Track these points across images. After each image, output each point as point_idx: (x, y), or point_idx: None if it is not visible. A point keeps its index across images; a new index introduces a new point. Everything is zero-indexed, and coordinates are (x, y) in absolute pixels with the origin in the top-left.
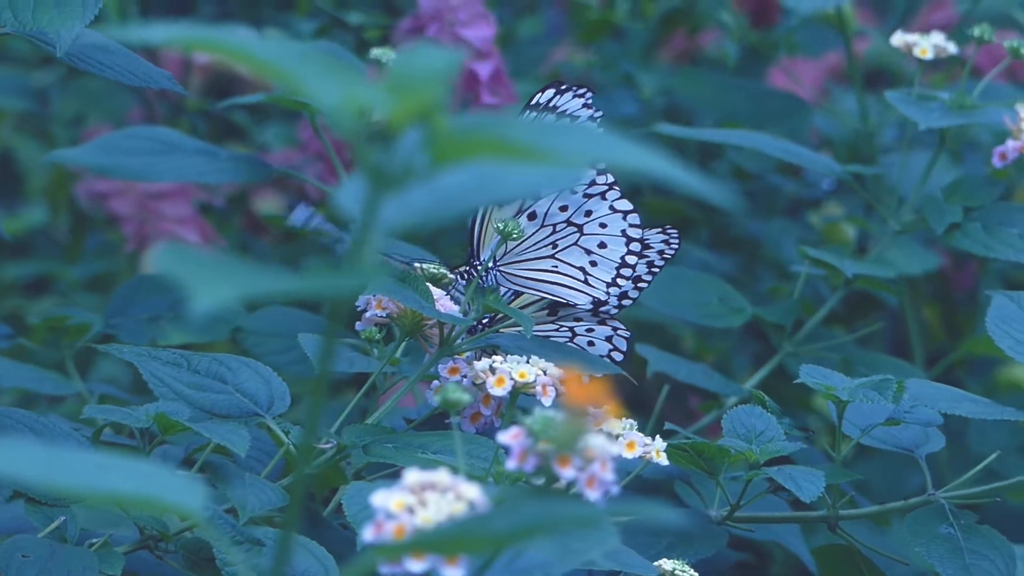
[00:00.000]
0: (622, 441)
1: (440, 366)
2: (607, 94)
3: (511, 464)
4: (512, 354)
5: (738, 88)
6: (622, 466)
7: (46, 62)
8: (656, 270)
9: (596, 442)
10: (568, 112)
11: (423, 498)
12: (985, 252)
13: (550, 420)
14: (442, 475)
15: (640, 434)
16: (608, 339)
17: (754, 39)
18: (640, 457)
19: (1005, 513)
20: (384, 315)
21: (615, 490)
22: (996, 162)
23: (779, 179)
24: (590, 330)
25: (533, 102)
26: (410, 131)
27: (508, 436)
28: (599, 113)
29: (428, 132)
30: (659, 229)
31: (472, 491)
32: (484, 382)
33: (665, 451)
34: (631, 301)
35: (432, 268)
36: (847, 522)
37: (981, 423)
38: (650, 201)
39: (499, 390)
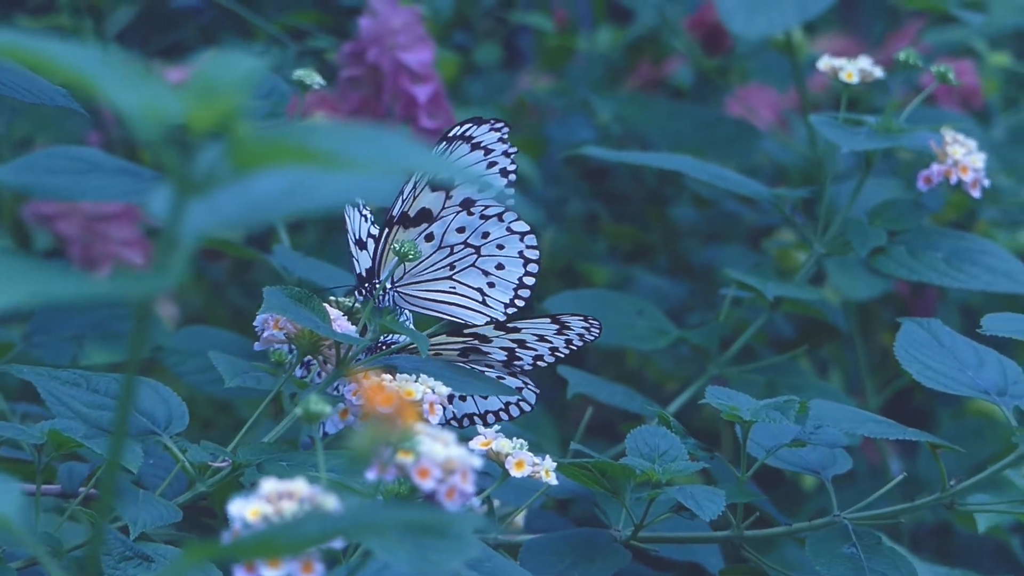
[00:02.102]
0: (511, 460)
1: (345, 388)
2: (564, 120)
3: (370, 475)
4: (407, 374)
5: (687, 114)
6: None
7: None
8: (573, 347)
9: (427, 448)
10: (483, 144)
11: (279, 507)
12: (909, 275)
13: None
14: (299, 484)
15: (530, 454)
16: (518, 389)
17: (710, 66)
18: (529, 476)
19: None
20: (282, 335)
21: (476, 502)
22: (921, 186)
23: (736, 206)
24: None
25: (450, 134)
26: (216, 138)
27: None
28: (514, 149)
29: (230, 139)
30: (582, 317)
31: (330, 500)
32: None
33: (562, 470)
34: (545, 364)
35: (347, 300)
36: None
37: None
38: (607, 227)
39: (387, 408)
